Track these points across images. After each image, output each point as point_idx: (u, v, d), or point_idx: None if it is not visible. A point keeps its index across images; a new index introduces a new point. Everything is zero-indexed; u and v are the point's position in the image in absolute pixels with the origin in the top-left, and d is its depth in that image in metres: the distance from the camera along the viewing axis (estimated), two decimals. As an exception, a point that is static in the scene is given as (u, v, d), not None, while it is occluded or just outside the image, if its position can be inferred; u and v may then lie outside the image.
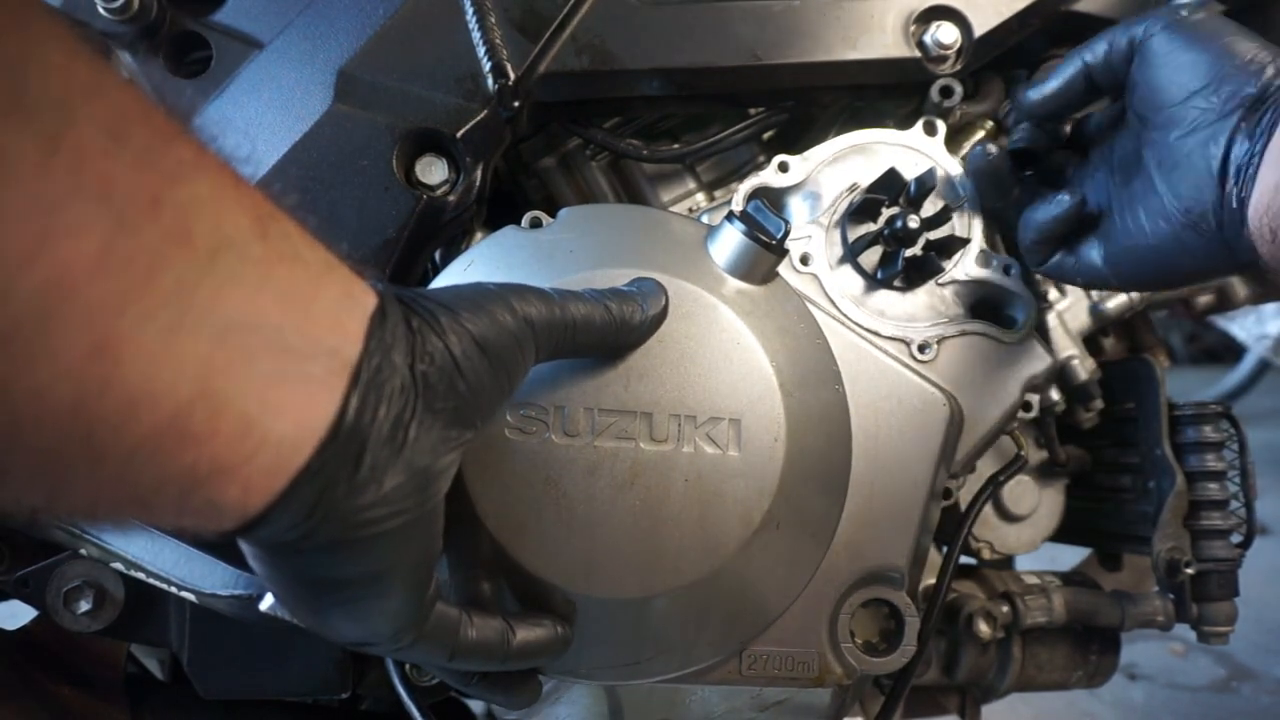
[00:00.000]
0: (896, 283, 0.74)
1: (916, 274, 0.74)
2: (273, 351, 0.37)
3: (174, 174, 0.33)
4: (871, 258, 0.74)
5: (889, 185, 0.74)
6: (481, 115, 0.70)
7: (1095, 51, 0.68)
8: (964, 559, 0.97)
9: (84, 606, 0.74)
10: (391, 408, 0.42)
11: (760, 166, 0.83)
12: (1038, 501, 0.97)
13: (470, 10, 0.70)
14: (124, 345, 0.32)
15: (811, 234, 0.75)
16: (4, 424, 0.31)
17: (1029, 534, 0.96)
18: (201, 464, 0.36)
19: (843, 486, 0.67)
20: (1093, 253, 0.69)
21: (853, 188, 0.76)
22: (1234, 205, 0.59)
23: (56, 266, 0.29)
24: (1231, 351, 3.93)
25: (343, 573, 0.44)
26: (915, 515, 0.70)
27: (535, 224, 0.68)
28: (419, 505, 0.45)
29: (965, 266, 0.76)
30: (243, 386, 0.36)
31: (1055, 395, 0.90)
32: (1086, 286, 0.86)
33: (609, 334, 0.57)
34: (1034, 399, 0.77)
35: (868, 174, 0.75)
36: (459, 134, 0.70)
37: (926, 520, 0.71)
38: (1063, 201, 0.69)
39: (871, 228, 0.74)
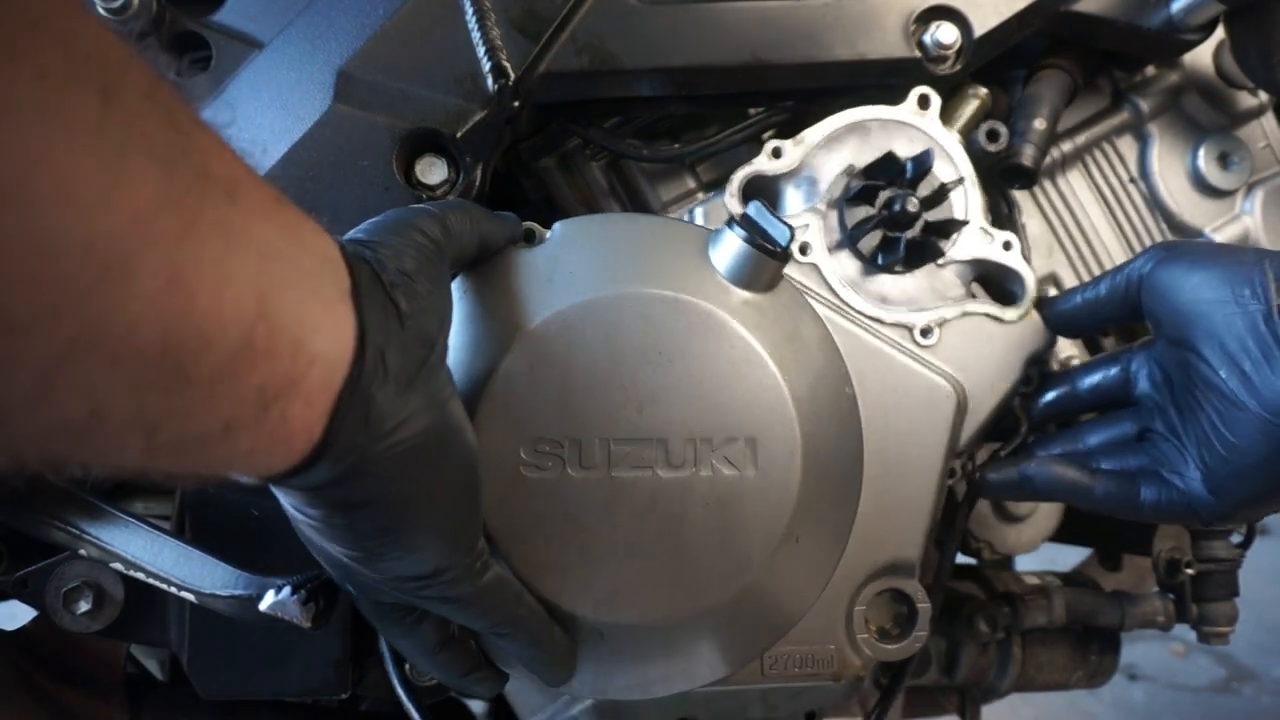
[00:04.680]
0: (897, 267, 0.74)
1: (916, 257, 0.73)
2: (296, 275, 0.42)
3: (189, 128, 0.38)
4: (870, 242, 0.73)
5: (886, 169, 0.73)
6: (481, 115, 0.70)
7: (1098, 290, 0.73)
8: (964, 559, 0.97)
9: (83, 607, 0.73)
10: (387, 313, 0.48)
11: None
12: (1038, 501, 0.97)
13: (470, 10, 0.70)
14: (192, 274, 0.36)
15: (809, 222, 0.74)
16: (104, 363, 0.34)
17: (1029, 534, 0.96)
18: (270, 382, 0.40)
19: (856, 488, 0.66)
20: (1194, 483, 0.68)
21: (849, 170, 0.75)
22: None
23: (129, 208, 0.33)
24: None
25: (388, 493, 0.48)
26: (927, 505, 0.71)
27: (529, 236, 0.65)
28: (438, 399, 0.50)
29: (964, 246, 0.75)
30: (288, 306, 0.40)
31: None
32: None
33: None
34: (1034, 372, 0.77)
35: (863, 154, 0.75)
36: (459, 134, 0.70)
37: (937, 506, 0.72)
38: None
39: (869, 211, 0.73)
